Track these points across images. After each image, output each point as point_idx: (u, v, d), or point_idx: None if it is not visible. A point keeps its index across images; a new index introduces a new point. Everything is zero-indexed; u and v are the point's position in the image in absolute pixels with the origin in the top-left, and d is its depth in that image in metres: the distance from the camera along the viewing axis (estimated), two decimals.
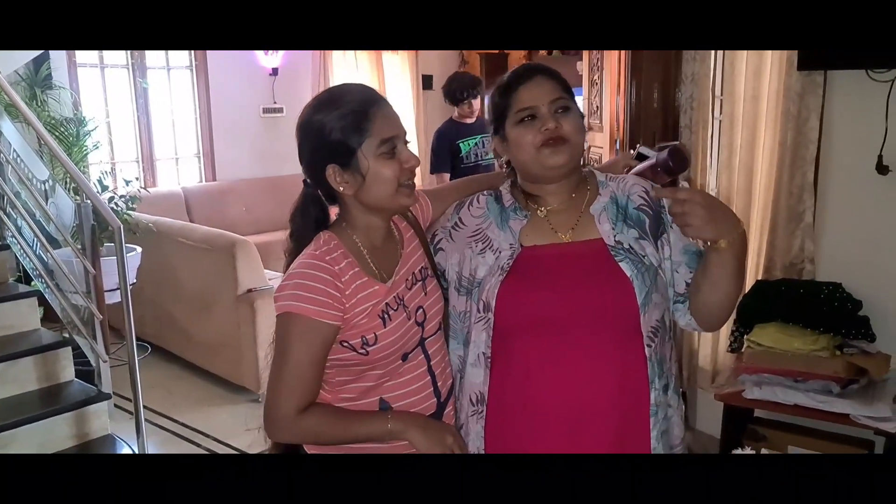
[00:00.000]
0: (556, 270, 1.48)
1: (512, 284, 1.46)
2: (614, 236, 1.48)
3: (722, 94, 3.17)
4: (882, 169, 2.65)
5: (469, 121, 4.70)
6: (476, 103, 4.63)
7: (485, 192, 1.62)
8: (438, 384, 1.53)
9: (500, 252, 1.50)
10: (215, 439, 3.69)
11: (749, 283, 3.06)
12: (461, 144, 4.69)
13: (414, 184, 1.45)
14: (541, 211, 1.54)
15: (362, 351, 1.42)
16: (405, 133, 1.45)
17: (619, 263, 1.45)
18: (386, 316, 1.44)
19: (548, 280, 1.47)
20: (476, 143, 4.70)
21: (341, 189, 1.43)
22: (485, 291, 1.48)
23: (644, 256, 1.46)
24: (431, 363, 1.52)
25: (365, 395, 1.48)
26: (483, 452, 1.52)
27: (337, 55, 7.02)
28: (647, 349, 1.45)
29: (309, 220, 1.49)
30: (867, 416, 2.55)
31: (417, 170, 1.44)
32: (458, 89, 4.64)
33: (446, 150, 4.70)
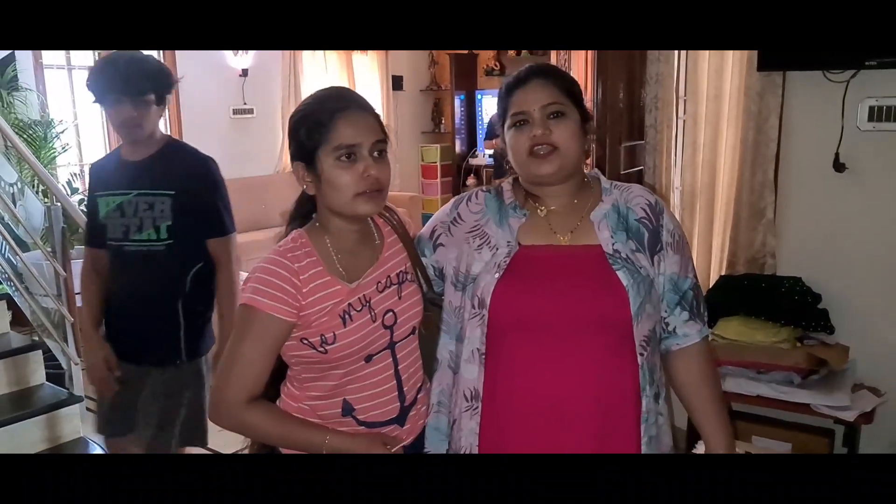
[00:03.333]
0: (553, 272, 1.47)
1: (508, 283, 1.46)
2: (613, 244, 1.47)
3: (685, 94, 3.26)
4: (839, 167, 2.74)
5: (131, 156, 2.32)
6: (128, 111, 2.20)
7: (484, 188, 1.62)
8: (404, 389, 1.54)
9: (497, 249, 1.50)
10: None
11: (713, 278, 3.14)
12: (99, 202, 2.35)
13: (377, 193, 1.44)
14: (541, 210, 1.53)
15: (321, 349, 1.44)
16: (377, 142, 1.44)
17: (616, 272, 1.44)
18: (347, 316, 1.45)
19: (544, 281, 1.46)
20: (123, 204, 2.29)
21: (304, 187, 1.48)
22: (480, 288, 1.47)
23: (640, 268, 1.46)
24: (399, 367, 1.53)
25: (330, 394, 1.50)
26: (476, 449, 1.50)
27: (307, 56, 7.03)
28: (639, 357, 1.45)
29: (300, 207, 1.54)
30: (827, 405, 2.64)
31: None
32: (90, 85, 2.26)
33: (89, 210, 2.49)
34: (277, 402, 1.57)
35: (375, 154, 1.44)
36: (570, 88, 1.50)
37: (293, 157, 1.48)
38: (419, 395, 1.59)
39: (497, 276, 1.47)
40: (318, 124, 1.42)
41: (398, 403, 1.53)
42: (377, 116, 1.48)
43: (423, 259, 1.62)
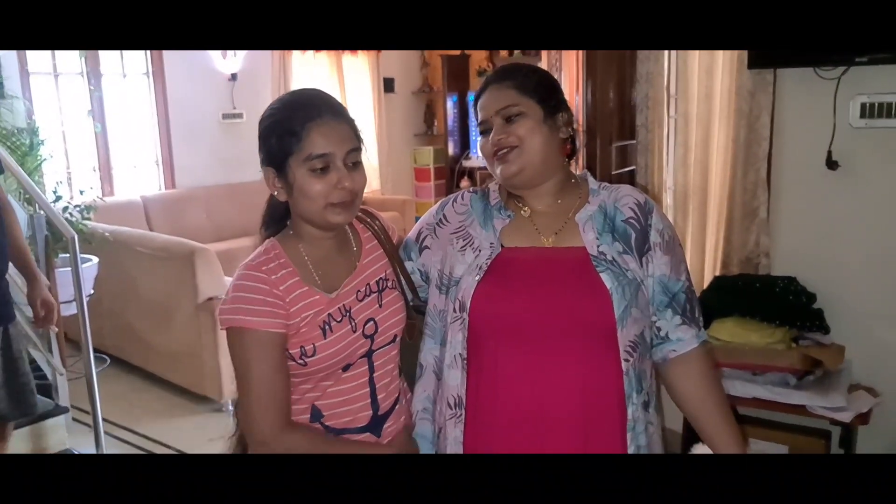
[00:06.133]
0: (535, 275, 1.44)
1: (488, 285, 1.43)
2: (598, 246, 1.44)
3: (676, 93, 3.22)
4: (831, 164, 2.71)
5: None
6: None
7: (470, 189, 1.60)
8: (378, 397, 1.49)
9: (479, 251, 1.47)
10: (177, 451, 3.63)
11: (706, 279, 3.11)
12: None
13: (349, 203, 1.41)
14: (524, 211, 1.51)
15: (301, 361, 1.40)
16: (351, 151, 1.40)
17: (601, 274, 1.40)
18: (327, 327, 1.41)
19: (525, 284, 1.43)
20: None
21: (275, 193, 1.43)
22: (461, 291, 1.44)
23: (627, 270, 1.42)
24: (374, 375, 1.49)
25: (301, 398, 1.46)
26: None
27: (296, 60, 6.99)
28: (623, 363, 1.41)
29: (273, 210, 1.50)
30: (823, 406, 2.60)
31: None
32: None
33: None
34: None
35: (350, 164, 1.40)
36: (527, 86, 1.47)
37: (263, 163, 1.43)
38: (396, 406, 1.54)
39: (477, 278, 1.43)
40: (289, 132, 1.37)
41: (370, 412, 1.49)
42: (351, 122, 1.43)
43: (409, 263, 1.58)
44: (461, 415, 1.46)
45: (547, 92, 1.49)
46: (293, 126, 1.37)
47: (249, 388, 1.37)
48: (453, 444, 1.47)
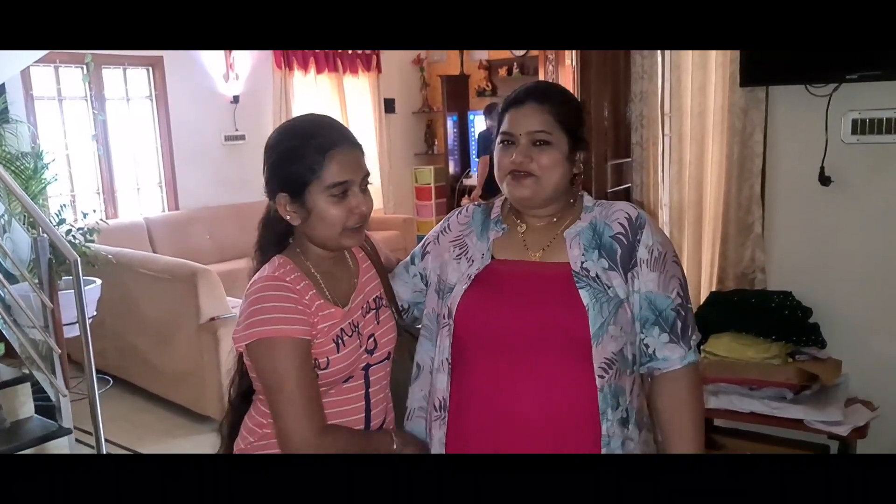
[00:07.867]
0: (518, 287, 1.48)
1: (474, 294, 1.48)
2: (582, 263, 1.46)
3: (670, 111, 3.26)
4: (824, 180, 2.73)
5: None
6: None
7: (476, 203, 1.65)
8: (372, 412, 1.52)
9: (472, 261, 1.53)
10: None
11: (703, 295, 3.13)
12: None
13: (361, 227, 1.47)
14: (520, 226, 1.55)
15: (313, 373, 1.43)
16: (365, 177, 1.45)
17: (580, 290, 1.43)
18: (340, 342, 1.45)
19: (507, 295, 1.47)
20: None
21: (287, 218, 1.46)
22: (451, 298, 1.50)
23: (609, 288, 1.43)
24: (370, 390, 1.52)
25: None
26: None
27: (298, 81, 7.06)
28: (598, 380, 1.41)
29: (272, 231, 1.52)
30: (820, 420, 2.61)
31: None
32: None
33: None
34: (245, 418, 1.55)
35: (363, 188, 1.46)
36: (564, 116, 1.48)
37: (277, 189, 1.45)
38: (384, 425, 1.57)
39: (464, 286, 1.49)
40: (308, 160, 1.40)
41: (363, 426, 1.52)
42: (362, 148, 1.48)
43: (412, 268, 1.66)
44: (444, 417, 1.52)
45: (577, 126, 1.51)
46: (313, 154, 1.40)
47: (289, 396, 1.37)
48: (437, 445, 1.53)
